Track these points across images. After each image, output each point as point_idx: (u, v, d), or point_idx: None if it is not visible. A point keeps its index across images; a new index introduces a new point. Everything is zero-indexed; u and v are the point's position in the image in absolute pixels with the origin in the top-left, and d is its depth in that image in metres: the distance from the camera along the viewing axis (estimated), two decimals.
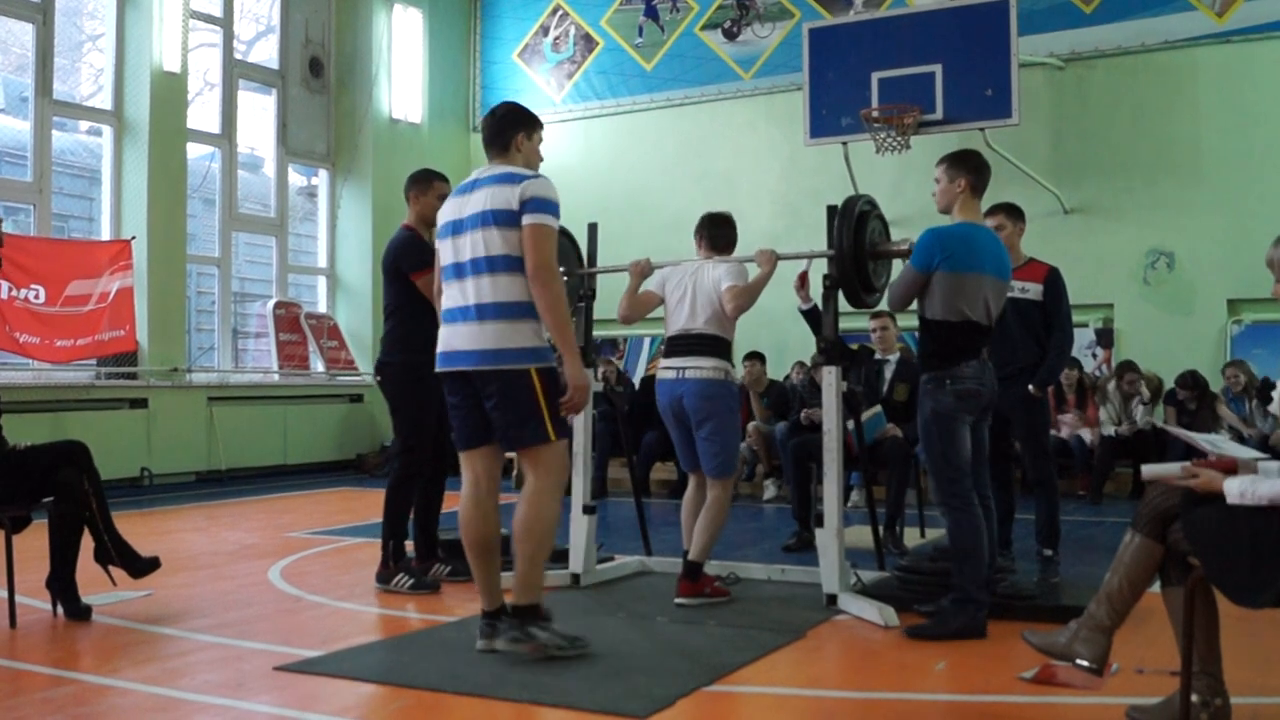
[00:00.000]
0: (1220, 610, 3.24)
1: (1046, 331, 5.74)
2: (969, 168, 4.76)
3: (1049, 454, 5.89)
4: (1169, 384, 9.92)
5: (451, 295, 4.24)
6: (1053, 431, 8.29)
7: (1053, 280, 5.77)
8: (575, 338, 4.33)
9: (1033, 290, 5.70)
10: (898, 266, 5.51)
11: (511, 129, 4.39)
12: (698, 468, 5.31)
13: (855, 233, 5.07)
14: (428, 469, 5.69)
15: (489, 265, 4.12)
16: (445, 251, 4.29)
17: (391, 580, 5.54)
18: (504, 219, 4.11)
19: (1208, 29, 10.77)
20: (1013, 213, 5.86)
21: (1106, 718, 3.40)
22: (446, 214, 4.33)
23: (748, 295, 5.18)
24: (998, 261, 4.73)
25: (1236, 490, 2.99)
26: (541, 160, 4.51)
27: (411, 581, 5.51)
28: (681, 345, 5.28)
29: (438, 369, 4.28)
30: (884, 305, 5.33)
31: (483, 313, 4.13)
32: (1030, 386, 5.60)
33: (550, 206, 4.15)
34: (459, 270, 4.20)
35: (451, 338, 4.21)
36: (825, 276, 5.15)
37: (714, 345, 5.24)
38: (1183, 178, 10.78)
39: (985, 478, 4.86)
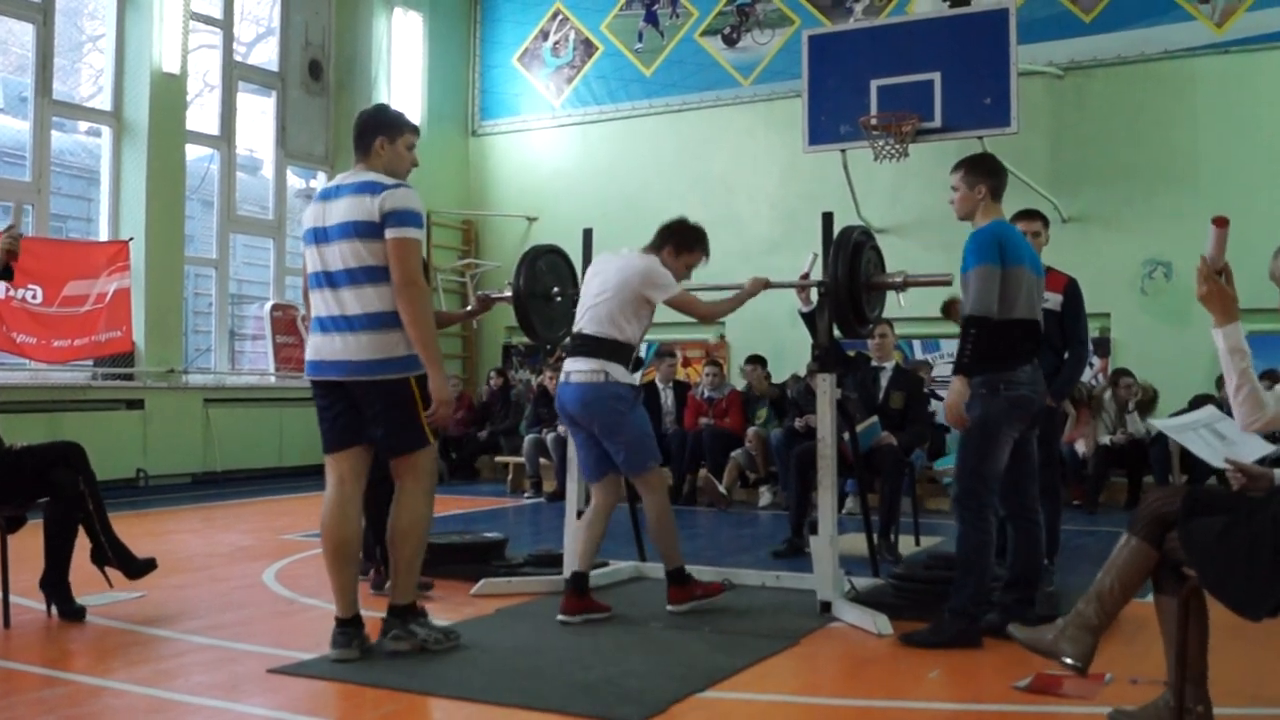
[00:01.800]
0: (1213, 620, 3.26)
1: (1063, 341, 5.72)
2: (987, 172, 4.68)
3: (1056, 464, 5.87)
4: (1165, 394, 9.93)
5: (320, 304, 4.25)
6: None
7: (1072, 291, 5.74)
8: (439, 351, 4.28)
9: (1052, 300, 5.59)
10: (890, 298, 5.52)
11: (371, 133, 4.35)
12: (596, 477, 5.15)
13: (850, 265, 5.06)
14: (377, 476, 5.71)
15: (355, 277, 4.15)
16: (311, 259, 4.29)
17: (385, 585, 5.54)
18: (365, 230, 4.13)
19: (1207, 39, 10.79)
20: (1046, 221, 5.87)
21: None
22: (310, 220, 4.32)
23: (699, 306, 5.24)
24: (1033, 258, 4.70)
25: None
26: (413, 165, 4.45)
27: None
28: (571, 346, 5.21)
29: (309, 376, 4.32)
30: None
31: (354, 324, 4.16)
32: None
33: (411, 218, 4.16)
34: (329, 279, 4.21)
35: (323, 347, 4.23)
36: (820, 284, 5.16)
37: (596, 347, 5.01)
38: (1181, 187, 10.78)
39: (1035, 492, 4.75)
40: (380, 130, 4.36)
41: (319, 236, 4.25)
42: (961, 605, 4.45)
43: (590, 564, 5.05)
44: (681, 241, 5.23)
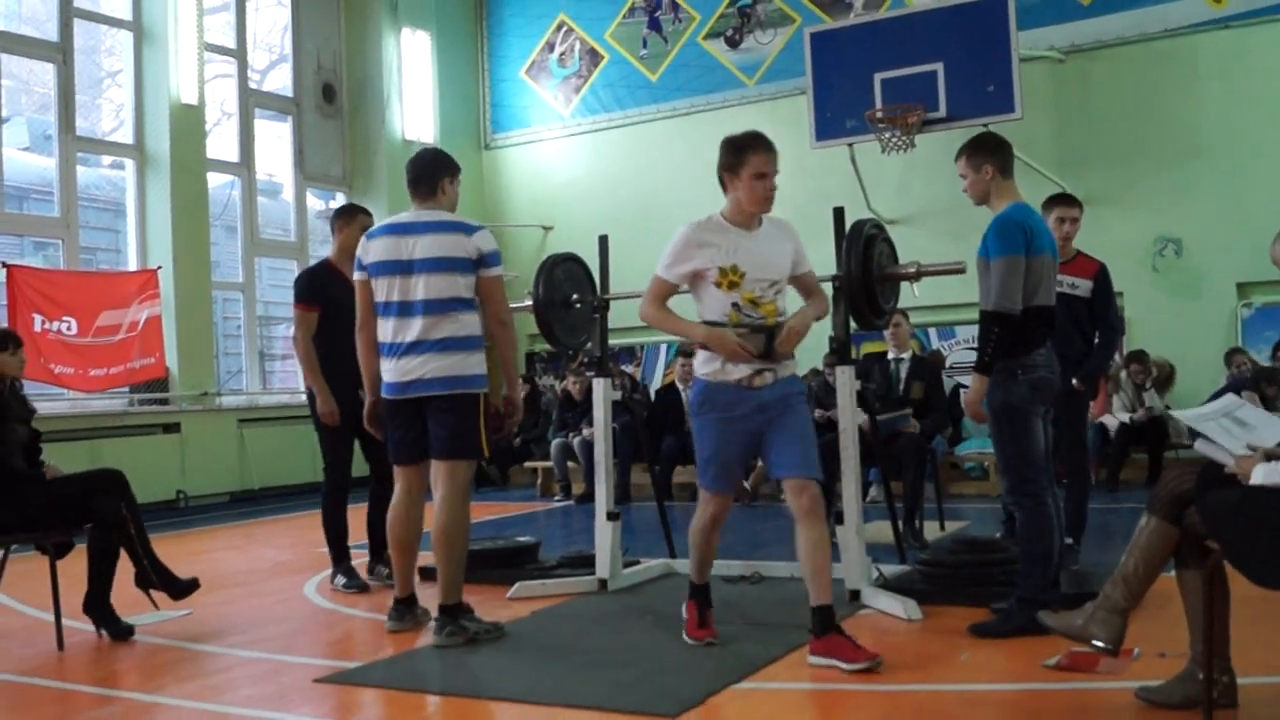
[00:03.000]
0: (1238, 592, 3.26)
1: (1092, 326, 5.66)
2: (990, 150, 4.51)
3: (1085, 445, 5.83)
4: (1182, 369, 9.92)
5: (399, 330, 4.60)
6: None
7: (1103, 277, 5.66)
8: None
9: (1082, 287, 5.57)
10: (905, 288, 5.50)
11: (439, 173, 4.75)
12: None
13: (863, 258, 5.04)
14: (347, 484, 6.24)
15: (447, 306, 4.57)
16: (390, 289, 4.62)
17: (332, 580, 6.10)
18: (461, 266, 4.58)
19: (1206, 15, 10.72)
20: (1082, 207, 5.81)
21: (1126, 701, 3.41)
22: (384, 253, 4.64)
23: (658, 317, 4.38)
24: (1052, 243, 4.56)
25: (1262, 477, 2.98)
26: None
27: (345, 581, 6.02)
28: None
29: (395, 396, 4.64)
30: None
31: (444, 345, 4.55)
32: (1074, 380, 5.43)
33: (500, 258, 4.77)
34: (407, 309, 4.58)
35: (410, 368, 4.57)
36: (834, 278, 5.15)
37: None
38: (1187, 164, 10.72)
39: (1052, 472, 4.67)
40: (448, 170, 4.78)
41: (403, 269, 4.58)
42: (1031, 594, 4.30)
43: (703, 575, 4.52)
44: (724, 166, 4.28)
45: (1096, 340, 5.71)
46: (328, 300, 5.84)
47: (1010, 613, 4.37)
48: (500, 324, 4.75)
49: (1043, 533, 4.36)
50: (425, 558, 4.97)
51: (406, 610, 4.82)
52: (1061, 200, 5.73)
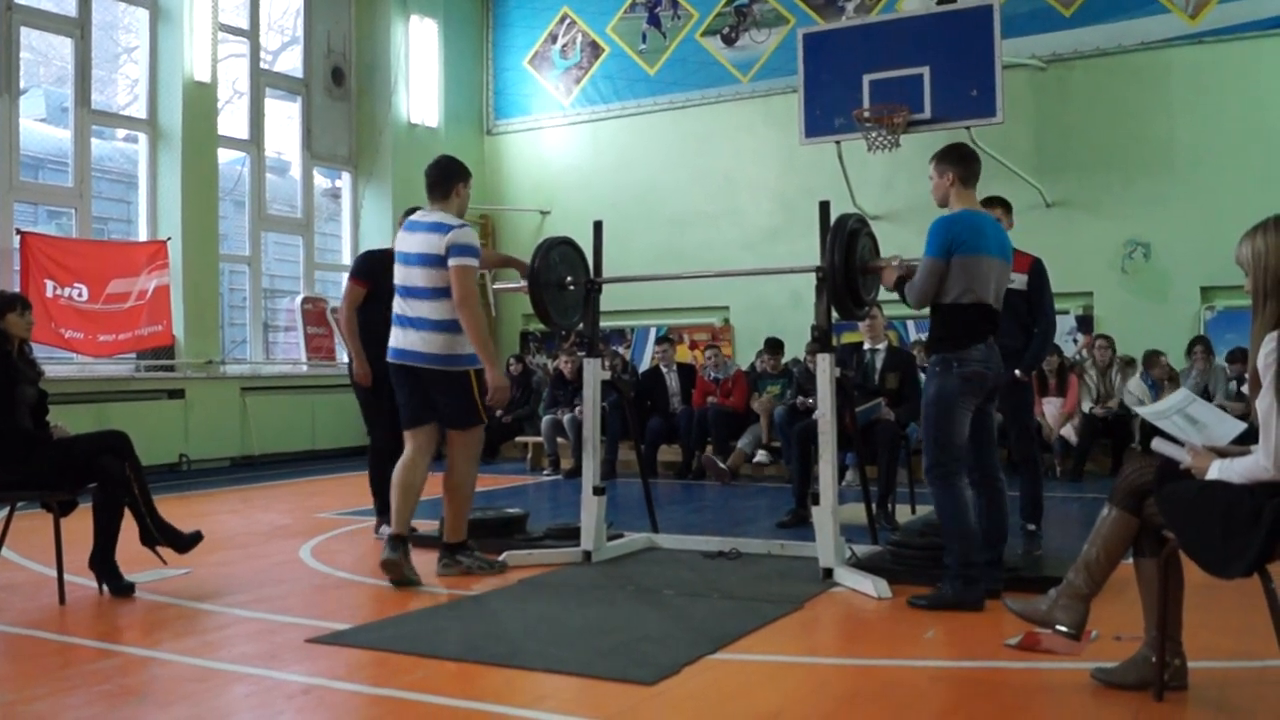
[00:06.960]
0: (1193, 580, 3.27)
1: (1031, 318, 5.73)
2: (954, 160, 4.67)
3: (1031, 434, 5.92)
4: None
5: (401, 307, 5.17)
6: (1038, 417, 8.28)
7: (1037, 270, 5.76)
8: (493, 349, 4.97)
9: (1018, 280, 5.61)
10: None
11: (454, 178, 5.26)
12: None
13: (846, 250, 5.04)
14: (389, 444, 6.35)
15: (427, 294, 5.07)
16: (398, 274, 5.22)
17: (379, 529, 6.49)
18: (433, 261, 5.05)
19: (1181, 31, 10.74)
20: (1007, 207, 5.86)
21: (1083, 681, 3.42)
22: (397, 245, 5.30)
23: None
24: (1000, 245, 4.67)
25: (1216, 473, 3.05)
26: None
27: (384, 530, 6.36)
28: None
29: (391, 360, 5.22)
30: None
31: (429, 326, 5.07)
32: (1017, 371, 5.54)
33: (468, 250, 5.05)
34: (409, 291, 5.14)
35: (403, 339, 5.15)
36: (818, 269, 5.15)
37: None
38: (1158, 172, 10.76)
39: (995, 459, 4.84)
40: (460, 177, 5.27)
41: (405, 259, 5.16)
42: (954, 568, 4.46)
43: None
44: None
45: (1035, 331, 5.78)
46: (375, 280, 6.29)
47: (945, 587, 4.49)
48: (458, 308, 5.02)
49: (956, 511, 4.51)
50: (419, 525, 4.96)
51: (400, 544, 5.08)
52: (982, 202, 5.78)
